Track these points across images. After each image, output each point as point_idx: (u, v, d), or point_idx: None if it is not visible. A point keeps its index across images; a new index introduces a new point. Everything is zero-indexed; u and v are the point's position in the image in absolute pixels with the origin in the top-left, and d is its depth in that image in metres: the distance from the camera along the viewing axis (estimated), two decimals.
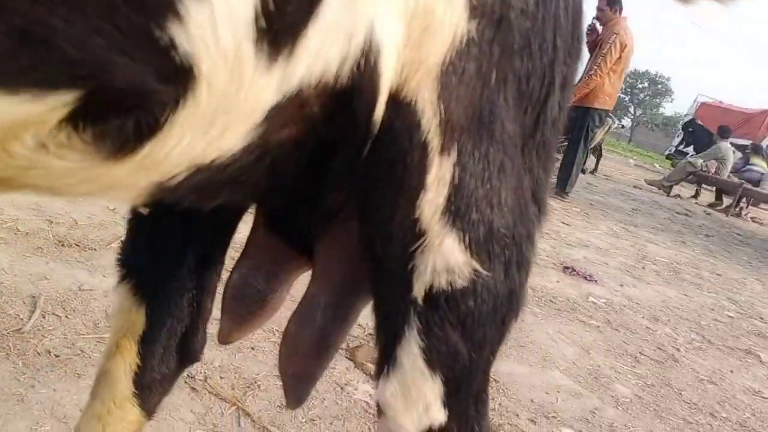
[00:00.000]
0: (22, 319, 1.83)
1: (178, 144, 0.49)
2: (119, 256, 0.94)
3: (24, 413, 1.47)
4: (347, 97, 0.55)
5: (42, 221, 2.58)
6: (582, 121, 6.89)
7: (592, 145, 7.58)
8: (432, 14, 0.54)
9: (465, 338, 0.68)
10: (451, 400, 0.70)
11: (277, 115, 0.53)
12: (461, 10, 0.56)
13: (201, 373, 1.80)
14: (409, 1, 0.53)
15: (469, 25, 0.56)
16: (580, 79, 7.14)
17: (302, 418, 1.74)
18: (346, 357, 2.13)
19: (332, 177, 0.68)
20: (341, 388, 1.93)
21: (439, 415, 0.70)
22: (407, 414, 0.69)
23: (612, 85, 6.79)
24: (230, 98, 0.47)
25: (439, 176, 0.62)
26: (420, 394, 0.69)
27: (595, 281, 4.03)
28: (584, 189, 9.05)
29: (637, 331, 3.26)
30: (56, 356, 1.71)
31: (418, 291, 0.66)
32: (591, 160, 10.80)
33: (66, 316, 1.91)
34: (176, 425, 1.57)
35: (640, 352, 2.96)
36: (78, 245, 2.43)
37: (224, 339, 0.99)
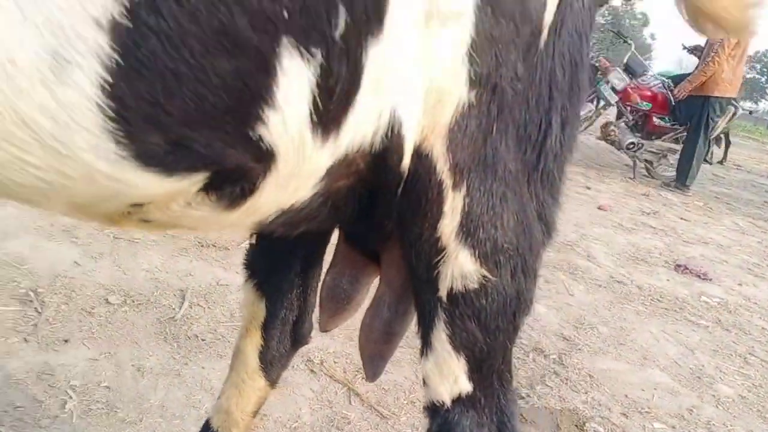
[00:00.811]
0: (173, 309, 2.21)
1: (267, 198, 0.72)
2: (245, 262, 1.21)
3: (180, 385, 1.82)
4: (382, 155, 0.74)
5: None
6: (701, 111, 6.58)
7: (713, 135, 7.18)
8: (441, 91, 0.72)
9: (481, 328, 0.86)
10: (474, 374, 0.88)
11: (332, 173, 0.74)
12: (463, 84, 0.73)
13: (318, 357, 2.08)
14: (425, 84, 0.71)
15: (469, 94, 0.74)
16: (697, 67, 6.81)
17: (404, 399, 1.97)
18: None
19: (379, 210, 0.89)
20: None
21: (466, 386, 0.89)
22: (442, 384, 0.89)
23: (732, 71, 6.42)
24: (298, 167, 0.69)
25: (453, 206, 0.79)
26: (450, 370, 0.88)
27: (710, 280, 3.92)
28: (709, 181, 8.58)
29: (751, 332, 3.18)
30: (202, 340, 2.06)
31: (442, 292, 0.84)
32: (716, 151, 10.16)
33: (208, 307, 2.27)
34: (298, 400, 1.86)
35: (750, 353, 2.90)
36: (215, 245, 2.82)
37: (323, 327, 1.23)
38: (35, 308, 2.02)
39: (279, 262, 1.15)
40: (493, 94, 0.74)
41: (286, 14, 0.56)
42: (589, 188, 6.20)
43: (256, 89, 0.58)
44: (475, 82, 0.72)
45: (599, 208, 5.38)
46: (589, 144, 8.90)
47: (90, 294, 2.18)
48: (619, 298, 3.30)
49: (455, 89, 0.71)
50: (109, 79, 0.50)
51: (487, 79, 0.73)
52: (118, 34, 0.50)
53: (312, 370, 2.02)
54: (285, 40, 0.57)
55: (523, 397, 2.14)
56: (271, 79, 0.58)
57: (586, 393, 2.26)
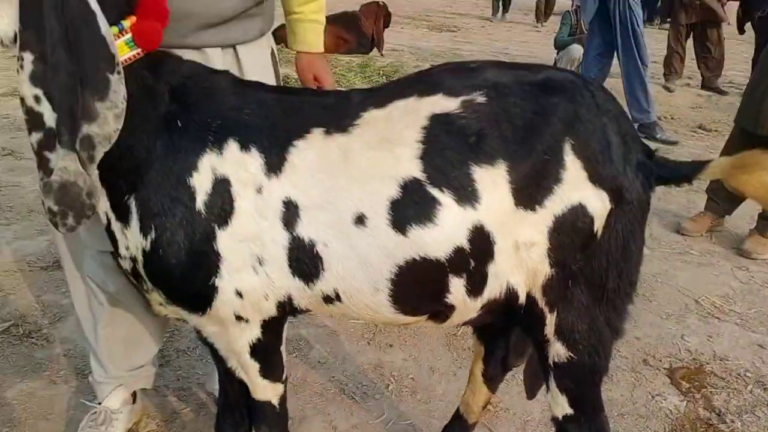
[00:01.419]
0: (456, 327, 3.20)
1: (456, 319, 1.60)
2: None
3: (456, 382, 2.79)
4: (508, 299, 1.52)
5: None
6: None
7: None
8: (535, 269, 1.46)
9: (572, 381, 1.58)
10: (572, 404, 1.61)
11: (484, 307, 1.55)
12: (546, 266, 1.45)
13: None
14: (525, 267, 1.45)
15: (550, 270, 1.46)
16: None
17: (615, 412, 2.61)
18: (665, 374, 2.86)
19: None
20: (652, 397, 2.71)
21: (569, 410, 1.62)
22: (556, 408, 1.65)
23: None
24: (466, 309, 1.54)
25: (550, 321, 1.53)
26: (558, 401, 1.62)
27: None
28: None
29: None
30: (473, 351, 3.00)
31: (550, 361, 1.58)
32: None
33: None
34: (533, 402, 2.67)
35: None
36: None
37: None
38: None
39: (488, 327, 2.02)
40: (564, 269, 1.49)
41: (448, 267, 1.45)
42: None
43: (444, 290, 1.49)
44: (552, 264, 1.49)
45: None
46: None
47: None
48: None
49: (542, 268, 1.49)
50: (391, 294, 1.48)
51: (559, 262, 1.48)
52: (392, 283, 1.46)
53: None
54: (450, 275, 1.46)
55: (725, 422, 2.58)
56: (447, 287, 1.48)
57: None
